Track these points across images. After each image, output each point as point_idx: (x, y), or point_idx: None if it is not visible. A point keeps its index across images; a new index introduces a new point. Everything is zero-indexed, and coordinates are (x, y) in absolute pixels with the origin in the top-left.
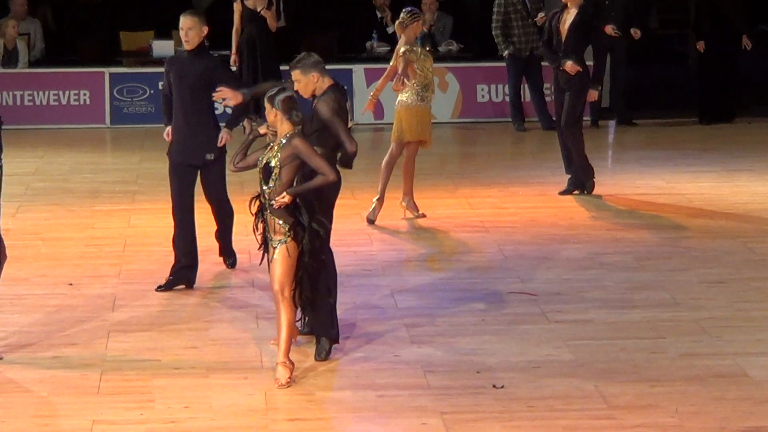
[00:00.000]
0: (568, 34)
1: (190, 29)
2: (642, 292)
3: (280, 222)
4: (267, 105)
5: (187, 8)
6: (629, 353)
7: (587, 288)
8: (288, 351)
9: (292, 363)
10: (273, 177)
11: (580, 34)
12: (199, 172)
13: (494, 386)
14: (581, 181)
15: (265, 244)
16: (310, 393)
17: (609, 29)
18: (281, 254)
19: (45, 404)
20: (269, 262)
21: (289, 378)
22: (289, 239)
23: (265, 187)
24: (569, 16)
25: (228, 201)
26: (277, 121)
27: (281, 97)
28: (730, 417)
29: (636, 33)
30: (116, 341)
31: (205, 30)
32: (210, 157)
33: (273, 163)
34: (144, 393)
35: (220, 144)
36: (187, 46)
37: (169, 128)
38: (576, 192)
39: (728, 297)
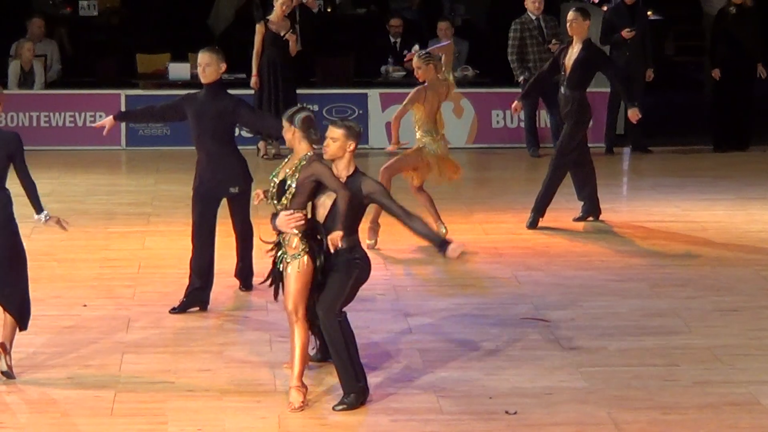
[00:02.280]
0: (573, 68)
1: (207, 65)
2: (655, 319)
3: (297, 238)
4: (285, 123)
5: (204, 32)
6: (642, 380)
7: (601, 315)
8: (302, 374)
9: (305, 387)
10: (287, 196)
11: (584, 69)
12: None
13: (507, 412)
14: (595, 206)
15: (275, 271)
16: (323, 417)
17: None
18: (294, 270)
19: (59, 425)
20: (278, 281)
21: (303, 402)
22: (303, 254)
23: (276, 204)
24: (574, 52)
25: (250, 224)
26: (295, 140)
27: (301, 116)
28: None
29: (650, 74)
30: (130, 363)
31: (223, 67)
32: (234, 190)
33: (289, 182)
34: (157, 415)
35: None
36: (203, 80)
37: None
38: (590, 218)
39: (742, 325)
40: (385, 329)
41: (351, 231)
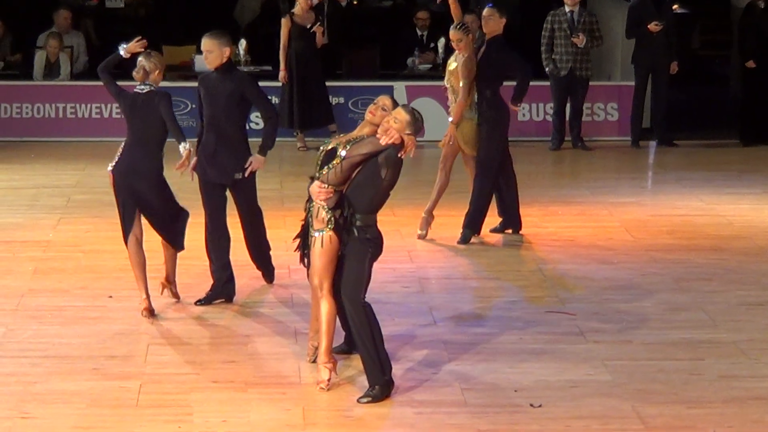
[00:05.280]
0: (480, 68)
1: (209, 52)
2: (681, 314)
3: (324, 210)
4: (391, 105)
5: (229, 24)
6: (667, 374)
7: (625, 308)
8: (329, 349)
9: (333, 361)
10: (332, 165)
11: (492, 69)
12: (228, 189)
13: (532, 405)
14: (514, 219)
15: (304, 240)
16: (348, 409)
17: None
18: (318, 244)
19: (84, 416)
20: (306, 255)
21: (329, 379)
22: (328, 229)
23: (319, 171)
24: (482, 51)
25: (259, 209)
26: (381, 122)
27: (411, 116)
28: None
29: (674, 67)
30: (155, 354)
31: (227, 51)
32: (238, 176)
33: (339, 151)
34: (182, 406)
35: (247, 174)
36: (208, 66)
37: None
38: (509, 231)
39: (767, 319)
40: (409, 321)
41: (368, 209)
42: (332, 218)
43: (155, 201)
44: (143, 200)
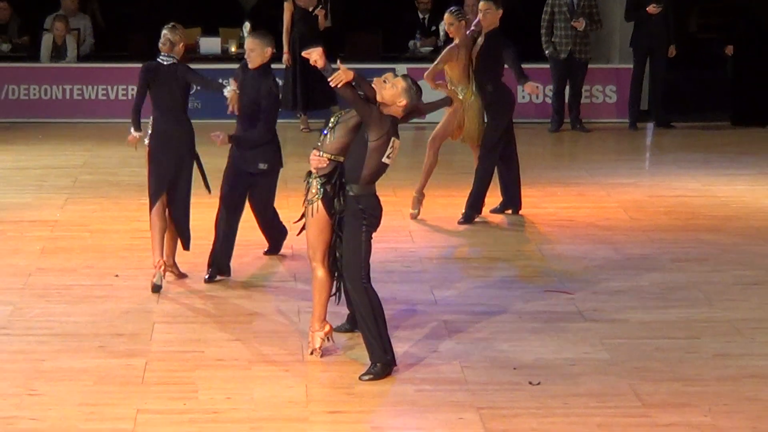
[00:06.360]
0: (480, 59)
1: (251, 51)
2: (677, 293)
3: (316, 181)
4: (396, 78)
5: (234, 7)
6: (664, 352)
7: (623, 288)
8: (320, 316)
9: (324, 328)
10: (330, 125)
11: (492, 59)
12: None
13: (530, 383)
14: (515, 200)
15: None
16: (350, 386)
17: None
18: (309, 214)
19: (91, 393)
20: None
21: (320, 347)
22: (316, 199)
23: (321, 138)
24: (479, 43)
25: (273, 210)
26: (388, 95)
27: (415, 89)
28: (762, 417)
29: (672, 51)
30: (161, 332)
31: (268, 51)
32: (263, 166)
33: (335, 118)
34: (187, 383)
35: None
36: (249, 65)
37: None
38: (509, 212)
39: (762, 298)
40: (410, 301)
41: (362, 179)
42: (322, 189)
43: (182, 179)
44: (174, 173)
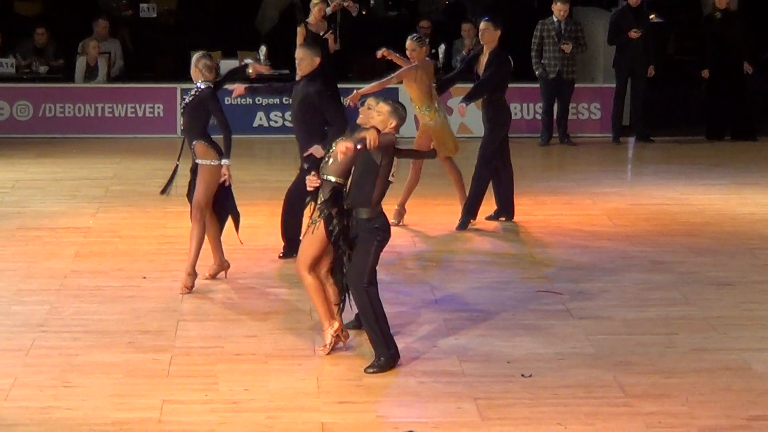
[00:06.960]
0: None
1: (302, 60)
2: (657, 293)
3: (321, 199)
4: (383, 106)
5: (250, 32)
6: (645, 347)
7: (608, 288)
8: (325, 316)
9: (338, 325)
10: (328, 155)
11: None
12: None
13: (523, 375)
14: (508, 208)
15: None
16: (358, 378)
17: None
18: (310, 230)
19: (120, 385)
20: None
21: (330, 342)
22: (320, 220)
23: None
24: (484, 59)
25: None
26: (373, 117)
27: (392, 101)
28: (735, 406)
29: (651, 71)
30: (184, 329)
31: (317, 60)
32: (305, 166)
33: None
34: (209, 376)
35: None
36: (299, 72)
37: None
38: (503, 219)
39: (735, 298)
40: (412, 300)
41: (372, 202)
42: (326, 212)
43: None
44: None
